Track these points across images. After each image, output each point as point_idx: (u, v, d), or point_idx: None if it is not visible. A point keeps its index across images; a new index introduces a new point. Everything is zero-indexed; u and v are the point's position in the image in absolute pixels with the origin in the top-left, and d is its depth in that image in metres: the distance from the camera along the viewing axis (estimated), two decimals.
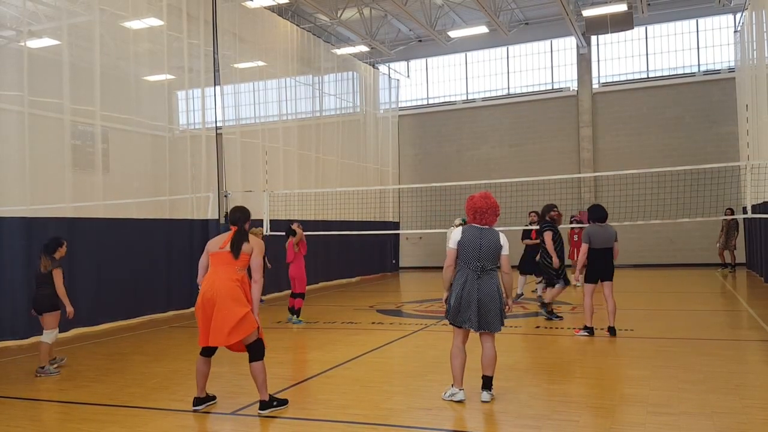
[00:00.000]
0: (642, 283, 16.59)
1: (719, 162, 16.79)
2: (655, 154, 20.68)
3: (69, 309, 7.29)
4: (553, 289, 10.18)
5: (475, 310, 5.38)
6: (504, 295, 5.53)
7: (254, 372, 5.36)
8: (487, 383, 5.56)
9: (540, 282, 13.12)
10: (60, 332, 9.64)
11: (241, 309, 5.19)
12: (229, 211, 13.55)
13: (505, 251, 5.48)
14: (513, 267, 5.89)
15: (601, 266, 8.53)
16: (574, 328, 9.09)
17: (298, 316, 10.84)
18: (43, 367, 7.18)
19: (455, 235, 5.52)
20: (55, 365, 7.38)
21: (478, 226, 5.48)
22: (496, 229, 5.60)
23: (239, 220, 5.51)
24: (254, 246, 5.43)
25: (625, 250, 20.98)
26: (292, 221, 15.20)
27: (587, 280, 8.64)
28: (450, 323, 5.65)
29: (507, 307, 5.56)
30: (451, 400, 5.53)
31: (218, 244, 5.48)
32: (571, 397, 5.70)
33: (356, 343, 8.75)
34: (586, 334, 8.66)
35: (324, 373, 6.85)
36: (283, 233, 14.05)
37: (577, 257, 12.79)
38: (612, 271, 8.64)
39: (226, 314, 5.16)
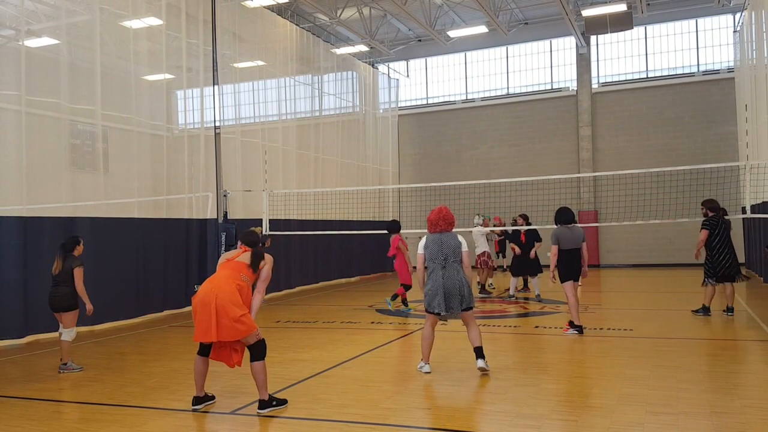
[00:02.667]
0: (641, 283, 16.60)
1: (718, 162, 16.79)
2: (655, 154, 20.69)
3: (89, 306, 7.38)
4: (708, 288, 9.96)
5: (441, 296, 6.33)
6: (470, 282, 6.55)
7: (255, 371, 5.37)
8: (479, 353, 6.48)
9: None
10: (55, 332, 9.68)
11: (238, 310, 5.22)
12: (228, 213, 13.67)
13: (464, 248, 6.54)
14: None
15: (571, 266, 8.75)
16: (562, 327, 9.13)
17: (406, 305, 11.81)
18: (66, 364, 7.27)
19: (421, 242, 6.64)
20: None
21: (438, 232, 6.58)
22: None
23: (254, 243, 5.75)
24: (266, 260, 5.63)
25: (624, 250, 21.25)
26: (289, 220, 15.23)
27: (564, 279, 8.81)
28: (425, 310, 6.58)
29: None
30: (421, 371, 6.57)
31: (229, 255, 5.69)
32: (570, 397, 5.71)
33: (356, 342, 8.75)
34: (575, 332, 8.72)
35: (323, 373, 6.85)
36: (284, 233, 14.10)
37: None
38: (579, 272, 8.83)
39: (226, 313, 5.20)
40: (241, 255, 5.60)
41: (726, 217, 10.02)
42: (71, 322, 7.36)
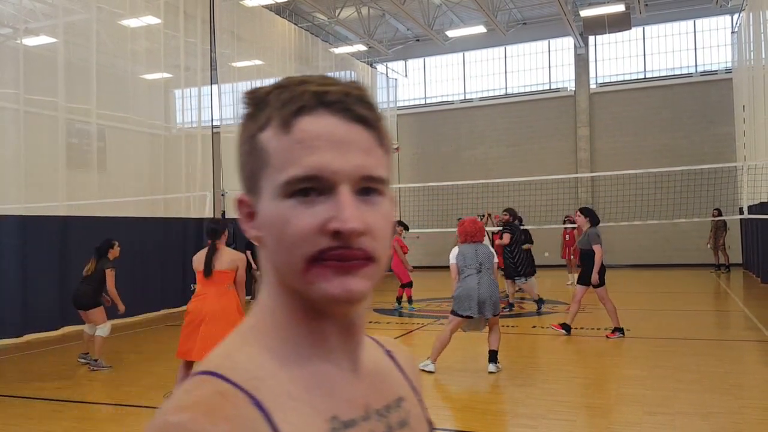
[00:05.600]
0: (638, 284, 16.62)
1: (716, 162, 16.80)
2: (652, 154, 20.70)
3: (121, 307, 7.43)
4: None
5: (475, 300, 6.37)
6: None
7: None
8: (492, 356, 6.57)
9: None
10: (53, 331, 9.68)
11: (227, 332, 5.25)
12: (225, 212, 13.66)
13: (495, 259, 6.77)
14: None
15: (604, 268, 8.45)
16: (606, 333, 8.53)
17: (410, 303, 11.87)
18: (96, 360, 7.30)
19: (453, 253, 6.71)
20: (85, 361, 7.48)
21: (472, 243, 6.65)
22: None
23: (213, 232, 5.58)
24: (237, 260, 5.52)
25: (622, 250, 21.25)
26: None
27: (603, 282, 8.32)
28: (452, 312, 6.57)
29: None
30: (424, 370, 6.42)
31: (202, 261, 5.51)
32: (568, 397, 5.71)
33: None
34: (620, 335, 8.29)
35: None
36: None
37: (570, 257, 12.79)
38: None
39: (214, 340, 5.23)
40: (218, 260, 5.43)
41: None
42: (100, 319, 7.38)
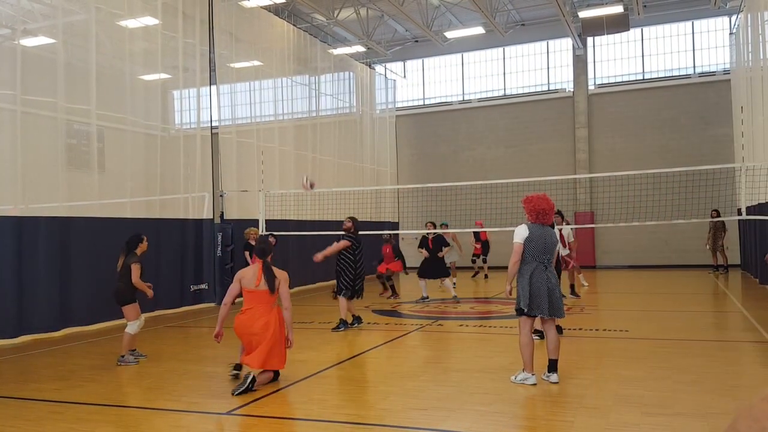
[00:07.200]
0: (637, 284, 16.63)
1: (714, 163, 16.82)
2: (651, 155, 20.74)
3: (149, 293, 7.61)
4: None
5: (546, 298, 5.86)
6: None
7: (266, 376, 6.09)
8: (554, 366, 6.06)
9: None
10: (52, 332, 9.67)
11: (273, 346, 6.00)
12: (224, 213, 13.64)
13: (558, 246, 6.13)
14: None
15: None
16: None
17: None
18: (123, 356, 7.46)
19: (522, 231, 5.97)
20: (134, 357, 7.62)
21: (541, 224, 6.01)
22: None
23: (263, 252, 6.21)
24: (280, 279, 6.09)
25: (621, 251, 21.30)
26: (286, 221, 15.22)
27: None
28: (521, 314, 5.99)
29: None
30: (525, 384, 5.96)
31: (248, 277, 6.09)
32: (566, 398, 5.71)
33: (352, 343, 8.74)
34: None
35: (319, 373, 6.84)
36: (281, 233, 14.08)
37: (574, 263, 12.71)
38: None
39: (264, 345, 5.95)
40: (261, 282, 5.99)
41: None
42: (130, 315, 7.54)
